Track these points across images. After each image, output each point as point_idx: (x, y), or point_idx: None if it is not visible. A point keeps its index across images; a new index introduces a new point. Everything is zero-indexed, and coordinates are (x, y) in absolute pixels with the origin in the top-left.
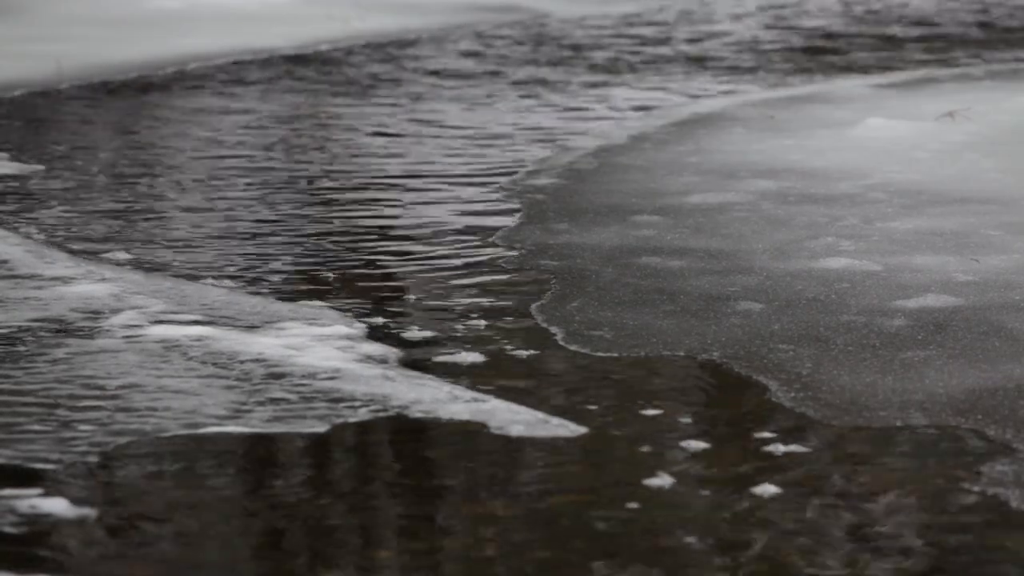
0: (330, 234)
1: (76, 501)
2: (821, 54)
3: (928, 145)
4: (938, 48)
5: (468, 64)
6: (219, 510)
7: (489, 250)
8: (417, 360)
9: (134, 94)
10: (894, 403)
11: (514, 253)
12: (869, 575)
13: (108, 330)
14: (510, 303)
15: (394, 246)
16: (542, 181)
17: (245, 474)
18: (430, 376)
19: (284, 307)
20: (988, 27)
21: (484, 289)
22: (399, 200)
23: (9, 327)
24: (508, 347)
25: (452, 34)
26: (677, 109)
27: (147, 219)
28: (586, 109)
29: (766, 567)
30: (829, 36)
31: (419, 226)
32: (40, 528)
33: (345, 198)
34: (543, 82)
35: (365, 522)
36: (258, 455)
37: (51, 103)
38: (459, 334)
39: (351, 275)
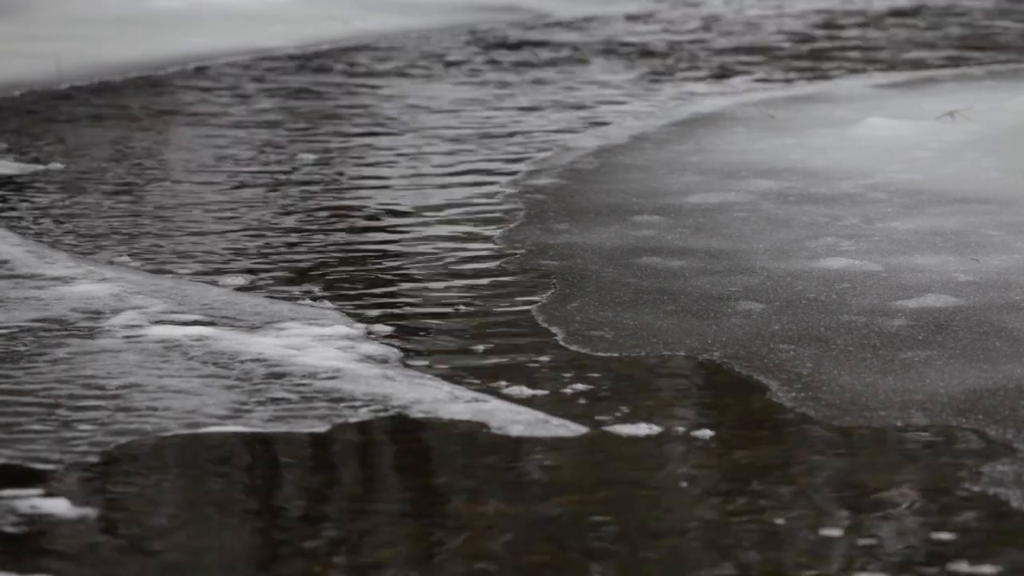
0: (330, 234)
1: (76, 501)
2: (822, 52)
3: (929, 145)
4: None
5: (468, 63)
6: (219, 510)
7: (489, 250)
8: (417, 360)
9: (134, 94)
10: (894, 403)
11: (514, 253)
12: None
13: (108, 330)
14: (510, 303)
15: (393, 245)
16: (542, 181)
17: (245, 474)
18: (430, 376)
19: (284, 307)
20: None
21: (484, 289)
22: (398, 200)
23: (9, 327)
24: (508, 347)
25: (452, 33)
26: (678, 109)
27: (148, 219)
28: (586, 108)
29: (766, 567)
30: (831, 35)
31: (418, 226)
32: (40, 528)
33: (344, 198)
34: (543, 81)
35: (365, 522)
36: (258, 455)
37: (51, 103)
38: (459, 334)
39: (351, 275)
